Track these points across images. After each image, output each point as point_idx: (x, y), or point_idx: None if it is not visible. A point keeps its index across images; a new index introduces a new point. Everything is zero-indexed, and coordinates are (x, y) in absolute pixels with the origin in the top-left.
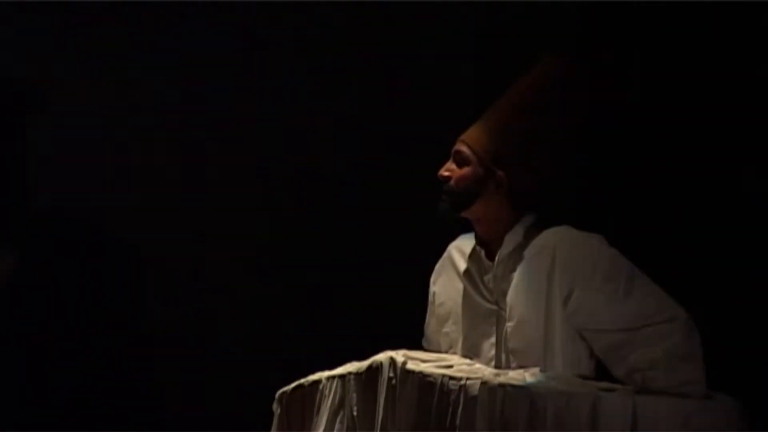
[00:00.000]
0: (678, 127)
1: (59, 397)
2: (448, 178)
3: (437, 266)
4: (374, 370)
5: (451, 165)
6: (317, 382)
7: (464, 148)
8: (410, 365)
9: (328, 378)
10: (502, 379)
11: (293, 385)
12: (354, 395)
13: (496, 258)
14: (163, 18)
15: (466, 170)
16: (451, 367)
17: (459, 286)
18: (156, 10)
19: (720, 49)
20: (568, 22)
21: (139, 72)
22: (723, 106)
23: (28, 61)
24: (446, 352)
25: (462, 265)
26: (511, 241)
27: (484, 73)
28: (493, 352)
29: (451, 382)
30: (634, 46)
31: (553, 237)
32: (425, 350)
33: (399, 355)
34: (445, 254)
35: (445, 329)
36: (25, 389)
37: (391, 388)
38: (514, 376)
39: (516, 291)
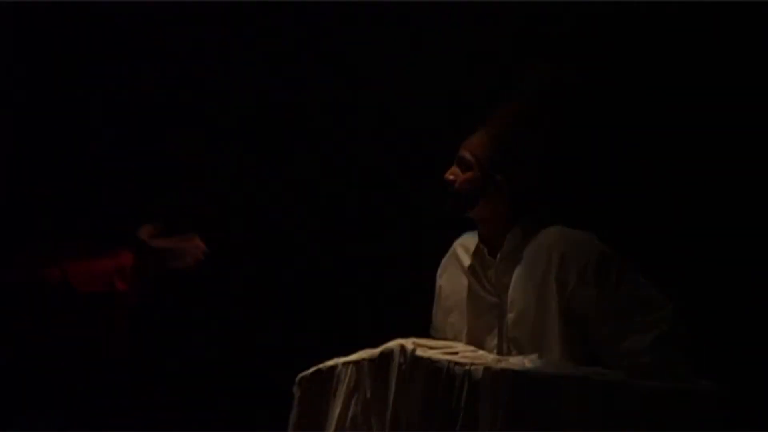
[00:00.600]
0: (674, 126)
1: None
2: (453, 181)
3: (443, 262)
4: (386, 357)
5: (455, 169)
6: (334, 367)
7: (466, 154)
8: (419, 352)
9: (344, 364)
10: (503, 365)
11: (312, 370)
12: (368, 379)
13: (498, 255)
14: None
15: (468, 174)
16: (456, 353)
17: (464, 280)
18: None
19: (719, 48)
20: (566, 23)
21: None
22: (721, 106)
23: None
24: (452, 340)
25: (466, 261)
26: (511, 240)
27: (495, 77)
28: (495, 341)
29: (457, 367)
30: (630, 47)
31: (550, 236)
32: (433, 338)
33: (409, 343)
34: (450, 251)
35: (451, 320)
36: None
37: (401, 372)
38: (515, 362)
39: (516, 286)
